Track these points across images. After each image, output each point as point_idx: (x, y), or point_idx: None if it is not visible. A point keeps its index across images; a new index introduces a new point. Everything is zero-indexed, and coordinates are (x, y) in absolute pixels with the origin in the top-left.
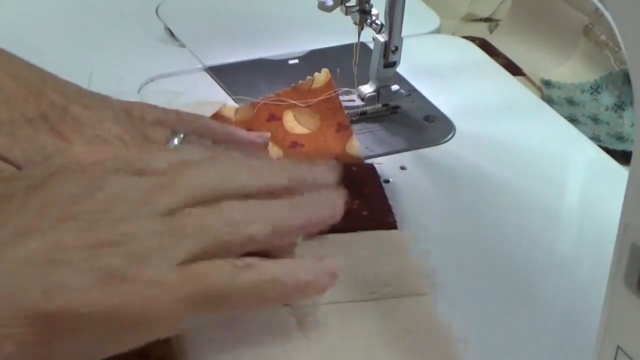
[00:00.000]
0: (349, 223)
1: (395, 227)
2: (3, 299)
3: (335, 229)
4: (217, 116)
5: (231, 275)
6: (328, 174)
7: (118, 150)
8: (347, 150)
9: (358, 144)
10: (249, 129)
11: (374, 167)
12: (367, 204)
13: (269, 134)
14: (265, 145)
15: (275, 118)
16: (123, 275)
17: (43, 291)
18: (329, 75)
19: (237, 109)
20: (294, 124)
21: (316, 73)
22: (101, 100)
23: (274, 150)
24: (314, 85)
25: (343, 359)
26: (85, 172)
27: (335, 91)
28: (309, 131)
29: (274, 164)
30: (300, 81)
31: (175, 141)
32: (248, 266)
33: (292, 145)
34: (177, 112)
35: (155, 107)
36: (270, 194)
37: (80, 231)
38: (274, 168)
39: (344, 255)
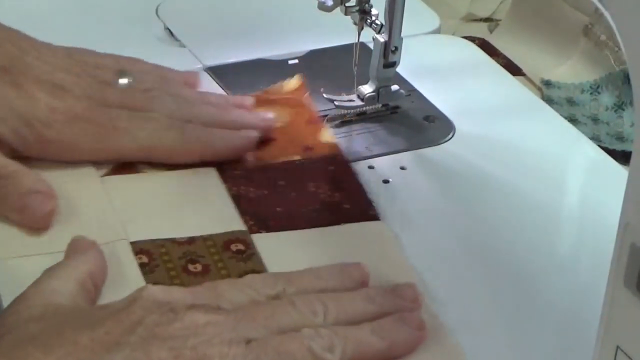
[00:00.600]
0: (331, 216)
1: (378, 219)
2: None
3: (320, 222)
4: None
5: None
6: (411, 296)
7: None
8: (321, 139)
9: (331, 133)
10: None
11: (348, 162)
12: (347, 197)
13: (198, 75)
14: (196, 83)
15: None
16: None
17: None
18: (301, 80)
19: None
20: None
21: (288, 78)
22: (47, 48)
23: None
24: (285, 89)
25: None
26: (162, 305)
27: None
28: (280, 124)
29: (354, 296)
30: (271, 85)
31: (123, 81)
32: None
33: (265, 140)
34: (112, 56)
35: (92, 52)
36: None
37: (166, 349)
38: (354, 300)
39: (335, 250)
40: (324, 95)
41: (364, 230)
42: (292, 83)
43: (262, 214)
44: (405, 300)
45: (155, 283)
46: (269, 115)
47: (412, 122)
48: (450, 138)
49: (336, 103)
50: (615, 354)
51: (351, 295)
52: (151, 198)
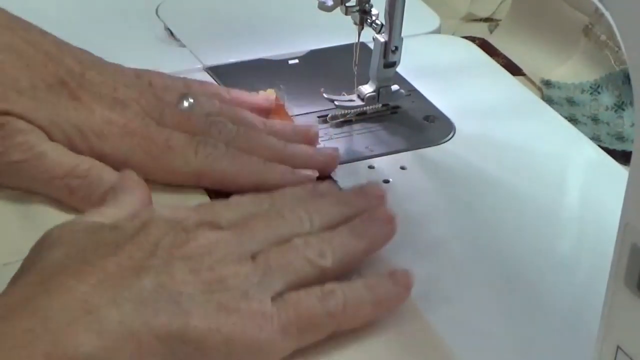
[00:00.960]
0: None
1: None
2: (140, 324)
3: None
4: None
5: (319, 301)
6: (378, 193)
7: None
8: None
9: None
10: None
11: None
12: None
13: (273, 96)
14: (270, 108)
15: None
16: (233, 307)
17: (172, 315)
18: (274, 93)
19: None
20: None
21: (261, 90)
22: (113, 67)
23: None
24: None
25: (330, 354)
26: (173, 225)
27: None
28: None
29: (331, 201)
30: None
31: (185, 104)
32: (331, 292)
33: None
34: (184, 80)
35: (162, 74)
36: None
37: (187, 272)
38: (331, 205)
39: None
40: (324, 95)
41: None
42: (267, 93)
43: None
44: (372, 198)
45: None
46: (333, 151)
47: (412, 122)
48: (450, 138)
49: (336, 103)
50: (616, 354)
51: (328, 201)
52: None
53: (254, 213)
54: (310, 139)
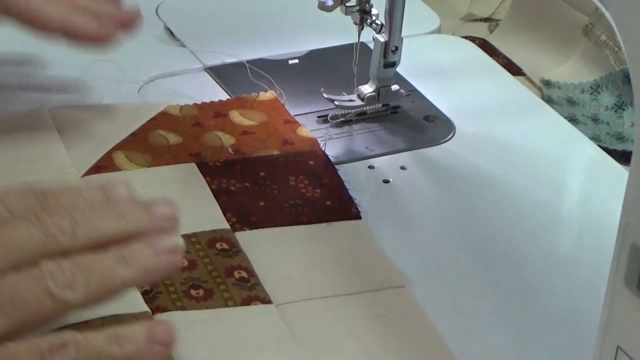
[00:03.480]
0: (314, 213)
1: (359, 218)
2: None
3: (302, 219)
4: (163, 114)
5: (41, 357)
6: (167, 214)
7: None
8: (299, 133)
9: (307, 129)
10: (197, 123)
11: (327, 157)
12: (328, 194)
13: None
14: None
15: (221, 115)
16: None
17: None
18: (274, 94)
19: (181, 107)
20: (241, 119)
21: (261, 92)
22: None
23: (226, 138)
24: (259, 98)
25: (332, 353)
26: None
27: (282, 104)
28: (257, 123)
29: (106, 212)
30: (244, 94)
31: None
32: (63, 345)
33: (244, 134)
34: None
35: None
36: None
37: None
38: (106, 216)
39: (319, 248)
40: (324, 95)
41: (346, 229)
42: (267, 95)
43: (244, 210)
44: (161, 219)
45: None
46: (135, 9)
47: (412, 122)
48: (450, 138)
49: (336, 103)
50: (616, 354)
51: (106, 210)
52: None
53: (11, 215)
54: (115, 1)
